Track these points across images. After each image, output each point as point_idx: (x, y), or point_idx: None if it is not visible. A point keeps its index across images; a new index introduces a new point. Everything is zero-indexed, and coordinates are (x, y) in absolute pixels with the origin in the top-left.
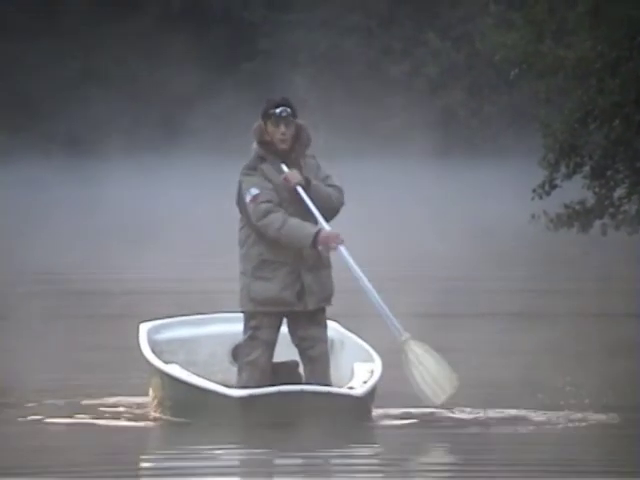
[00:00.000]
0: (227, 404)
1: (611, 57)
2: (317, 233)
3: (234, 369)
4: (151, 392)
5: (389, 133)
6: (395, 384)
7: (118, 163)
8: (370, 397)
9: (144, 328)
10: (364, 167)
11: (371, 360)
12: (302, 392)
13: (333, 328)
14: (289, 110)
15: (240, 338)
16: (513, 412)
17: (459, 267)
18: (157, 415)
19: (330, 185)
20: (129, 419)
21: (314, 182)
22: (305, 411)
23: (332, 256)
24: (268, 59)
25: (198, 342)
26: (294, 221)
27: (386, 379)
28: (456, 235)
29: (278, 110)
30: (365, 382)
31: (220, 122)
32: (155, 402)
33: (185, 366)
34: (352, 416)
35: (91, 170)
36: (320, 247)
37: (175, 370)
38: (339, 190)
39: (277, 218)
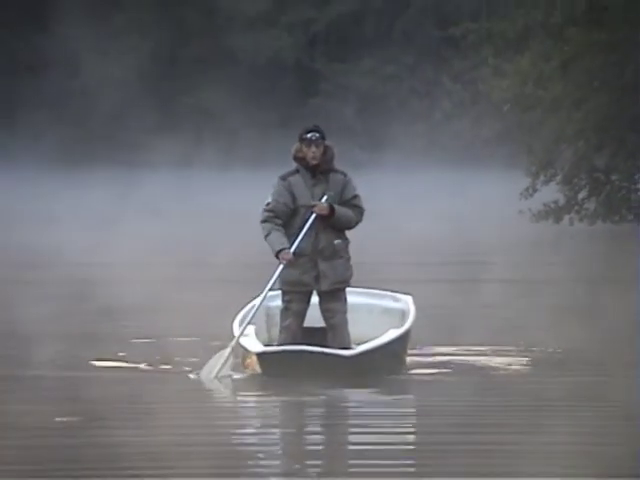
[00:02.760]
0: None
1: (576, 97)
2: (278, 252)
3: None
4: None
5: (416, 149)
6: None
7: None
8: (366, 357)
9: (258, 300)
10: (398, 176)
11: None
12: (302, 351)
13: (406, 301)
14: (317, 135)
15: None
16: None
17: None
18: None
19: (355, 205)
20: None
21: (338, 212)
22: (306, 366)
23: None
24: (327, 96)
25: None
26: (273, 235)
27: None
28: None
29: (309, 135)
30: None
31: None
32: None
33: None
34: (345, 372)
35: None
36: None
37: (239, 331)
38: (360, 212)
39: (266, 227)
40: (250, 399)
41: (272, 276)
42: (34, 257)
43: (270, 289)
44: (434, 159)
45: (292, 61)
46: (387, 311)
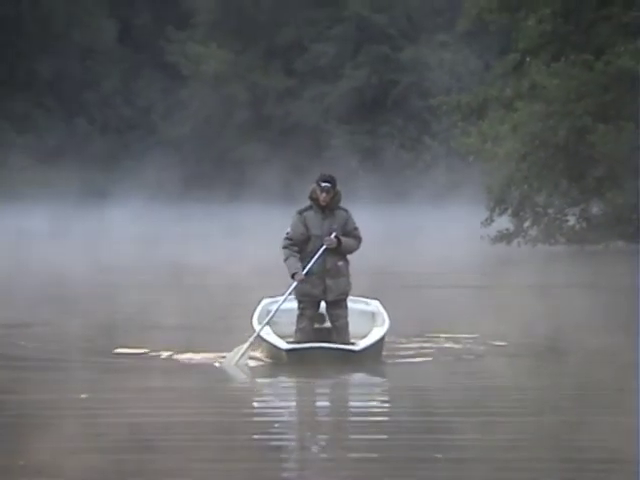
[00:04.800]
0: (280, 352)
1: (522, 152)
2: (293, 274)
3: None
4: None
5: (403, 189)
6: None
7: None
8: (367, 350)
9: (264, 302)
10: (391, 209)
11: (383, 326)
12: (320, 347)
13: (375, 305)
14: (329, 185)
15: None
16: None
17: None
18: (258, 355)
19: (355, 236)
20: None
21: (344, 244)
22: (324, 358)
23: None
24: (337, 150)
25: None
26: (290, 260)
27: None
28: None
29: (323, 185)
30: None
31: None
32: (258, 348)
33: (287, 326)
34: (353, 362)
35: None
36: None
37: (263, 330)
38: (359, 241)
39: (286, 253)
40: (276, 380)
41: (288, 289)
42: (179, 267)
43: (286, 299)
44: (418, 197)
45: (311, 124)
46: (362, 313)
